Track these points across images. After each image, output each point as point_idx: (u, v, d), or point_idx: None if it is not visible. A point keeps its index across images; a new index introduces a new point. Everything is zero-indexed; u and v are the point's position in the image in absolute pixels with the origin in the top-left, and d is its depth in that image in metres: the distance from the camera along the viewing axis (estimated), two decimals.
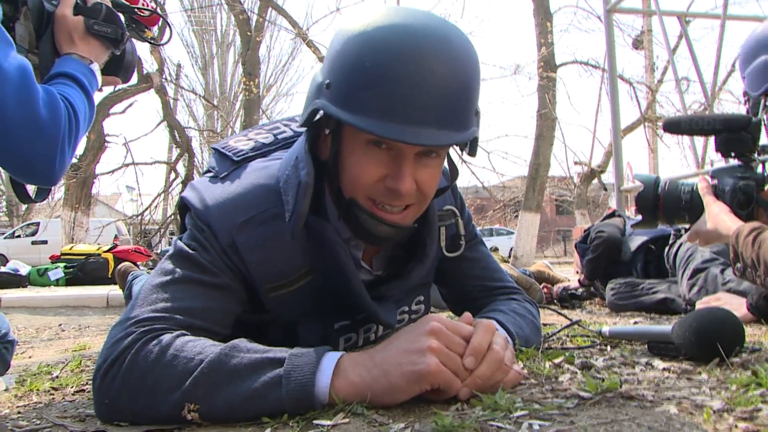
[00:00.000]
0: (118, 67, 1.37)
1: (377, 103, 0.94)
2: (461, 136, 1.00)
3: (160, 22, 1.46)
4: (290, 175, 1.08)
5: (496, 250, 4.74)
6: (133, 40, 1.41)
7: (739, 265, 1.41)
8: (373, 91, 0.94)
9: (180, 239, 1.09)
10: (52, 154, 1.11)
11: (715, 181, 1.56)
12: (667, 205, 1.60)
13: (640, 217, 1.68)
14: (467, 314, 0.98)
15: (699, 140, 4.67)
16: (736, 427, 0.71)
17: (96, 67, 1.28)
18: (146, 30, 1.43)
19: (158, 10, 1.43)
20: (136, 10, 1.38)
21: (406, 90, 0.93)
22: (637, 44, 12.38)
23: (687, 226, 1.67)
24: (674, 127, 1.62)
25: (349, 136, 1.02)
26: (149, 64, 10.78)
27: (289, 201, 1.06)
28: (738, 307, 1.90)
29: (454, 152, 1.18)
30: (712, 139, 1.62)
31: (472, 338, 0.89)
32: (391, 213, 1.05)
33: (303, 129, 1.17)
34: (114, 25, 1.29)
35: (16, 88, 1.04)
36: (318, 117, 1.05)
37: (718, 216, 1.49)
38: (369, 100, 0.95)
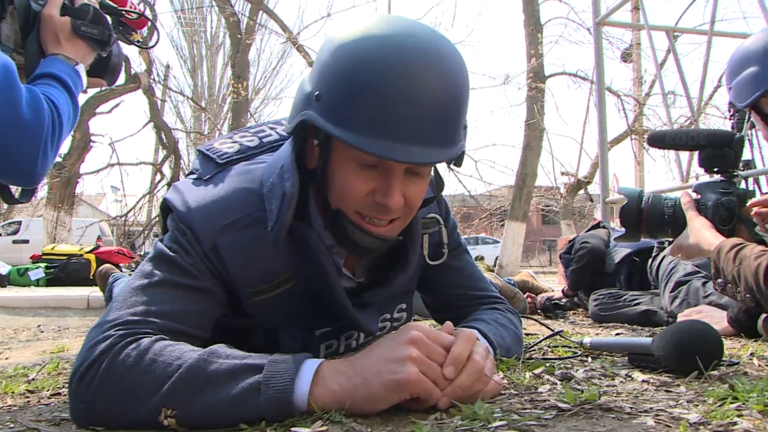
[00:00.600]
0: (104, 69, 1.36)
1: (369, 119, 0.94)
2: (451, 152, 1.01)
3: (148, 25, 1.46)
4: (275, 183, 1.07)
5: (481, 259, 4.75)
6: (120, 42, 1.40)
7: (720, 280, 1.42)
8: (365, 107, 0.94)
9: (161, 241, 1.08)
10: (34, 155, 1.10)
11: (698, 196, 1.58)
12: (650, 219, 1.61)
13: (623, 230, 1.69)
14: (448, 323, 0.98)
15: (684, 154, 4.72)
16: None
17: (81, 69, 1.27)
18: (133, 33, 1.42)
19: (146, 13, 1.42)
20: (123, 12, 1.37)
21: (399, 107, 0.93)
22: (626, 57, 12.50)
23: (670, 240, 1.69)
24: (659, 141, 1.64)
25: (338, 149, 1.02)
26: (137, 64, 10.71)
27: (272, 210, 1.06)
28: (719, 320, 1.91)
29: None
30: (696, 154, 1.64)
31: (452, 348, 0.89)
32: (377, 226, 1.05)
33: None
34: (101, 27, 1.28)
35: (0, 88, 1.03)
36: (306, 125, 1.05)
37: (700, 231, 1.51)
38: (361, 116, 0.94)
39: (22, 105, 1.07)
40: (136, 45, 1.46)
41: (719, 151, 1.56)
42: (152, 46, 1.62)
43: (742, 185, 1.61)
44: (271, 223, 1.05)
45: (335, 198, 1.05)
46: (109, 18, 1.32)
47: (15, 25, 1.21)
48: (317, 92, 0.99)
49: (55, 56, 1.23)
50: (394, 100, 0.93)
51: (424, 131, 0.95)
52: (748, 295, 1.37)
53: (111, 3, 1.35)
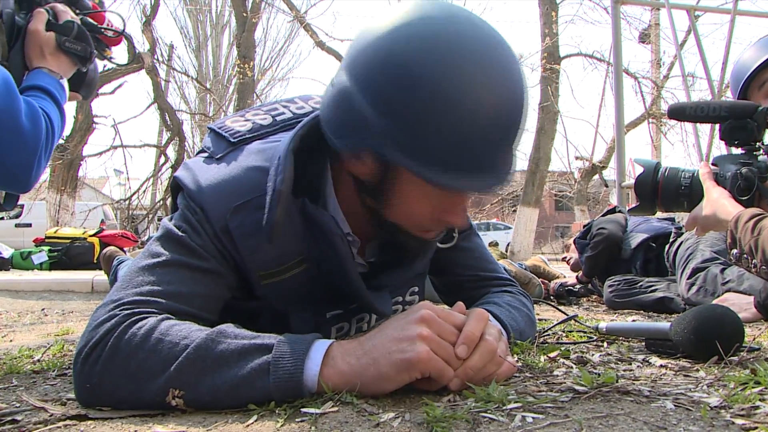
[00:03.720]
0: (81, 82, 1.42)
1: (468, 160, 0.91)
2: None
3: (122, 42, 1.52)
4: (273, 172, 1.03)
5: (495, 245, 4.70)
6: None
7: (735, 251, 1.36)
8: (464, 150, 0.90)
9: (170, 220, 1.05)
10: (30, 164, 1.17)
11: (717, 168, 1.52)
12: (665, 190, 1.54)
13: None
14: (459, 303, 0.95)
15: (704, 138, 4.64)
16: (732, 423, 0.69)
17: (65, 82, 1.33)
18: (106, 49, 1.48)
19: (125, 31, 1.47)
20: (102, 30, 1.43)
21: (498, 145, 0.93)
22: (644, 38, 12.31)
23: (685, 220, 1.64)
24: (679, 113, 1.57)
25: (408, 175, 0.95)
26: (140, 44, 10.58)
27: (267, 203, 1.00)
28: (746, 306, 1.88)
29: None
30: (717, 136, 1.58)
31: (464, 327, 0.87)
32: (431, 234, 1.06)
33: (303, 112, 1.18)
34: (84, 44, 1.35)
35: (1, 98, 1.08)
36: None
37: (718, 201, 1.44)
38: (458, 158, 0.90)
39: (22, 116, 1.12)
40: (109, 61, 1.53)
41: (741, 123, 1.49)
42: (126, 64, 1.75)
43: (762, 158, 1.53)
44: (264, 218, 1.00)
45: (397, 215, 1.02)
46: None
47: (2, 38, 1.25)
48: (386, 124, 0.90)
49: (41, 69, 1.29)
50: (494, 141, 0.92)
51: (509, 151, 0.96)
52: (764, 267, 1.31)
53: (90, 20, 1.41)
